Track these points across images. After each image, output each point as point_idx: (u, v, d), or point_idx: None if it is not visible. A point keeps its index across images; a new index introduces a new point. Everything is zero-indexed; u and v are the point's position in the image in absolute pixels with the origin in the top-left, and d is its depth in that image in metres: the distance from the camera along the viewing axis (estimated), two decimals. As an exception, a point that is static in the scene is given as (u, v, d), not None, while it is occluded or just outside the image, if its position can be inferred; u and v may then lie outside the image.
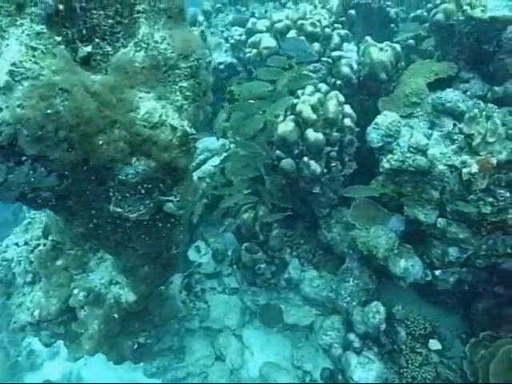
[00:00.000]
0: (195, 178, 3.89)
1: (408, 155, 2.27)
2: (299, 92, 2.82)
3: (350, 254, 2.98)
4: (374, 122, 2.54)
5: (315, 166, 2.57)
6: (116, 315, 2.43)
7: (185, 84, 1.52)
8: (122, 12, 1.45)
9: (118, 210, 1.70)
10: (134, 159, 1.50)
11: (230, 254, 3.74)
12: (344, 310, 2.91)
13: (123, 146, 1.44)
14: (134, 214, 1.73)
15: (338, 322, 2.97)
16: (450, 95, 2.48)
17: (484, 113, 2.10)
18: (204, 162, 4.09)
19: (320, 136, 2.54)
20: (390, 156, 2.39)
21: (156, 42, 1.42)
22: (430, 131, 2.48)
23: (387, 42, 2.84)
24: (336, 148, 2.67)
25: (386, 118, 2.49)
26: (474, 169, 1.95)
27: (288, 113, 2.76)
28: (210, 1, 4.70)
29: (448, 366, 2.67)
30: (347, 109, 2.61)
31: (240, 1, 4.55)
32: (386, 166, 2.39)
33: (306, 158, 2.59)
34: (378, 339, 2.69)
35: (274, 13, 3.73)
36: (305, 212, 3.23)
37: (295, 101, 2.75)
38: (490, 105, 2.25)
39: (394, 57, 2.81)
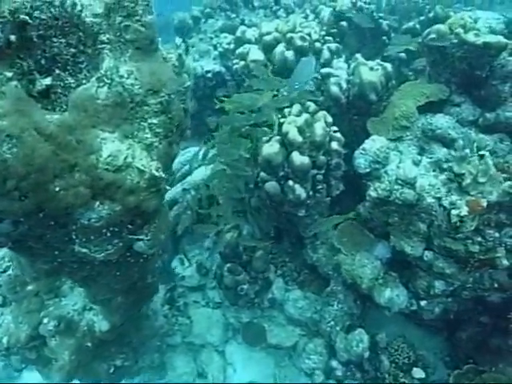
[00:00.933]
0: (180, 189, 3.75)
1: (396, 187, 2.14)
2: (286, 111, 2.68)
3: (335, 276, 2.87)
4: (361, 147, 2.41)
5: (300, 191, 2.44)
6: (89, 344, 2.29)
7: (155, 121, 1.38)
8: (85, 41, 1.29)
9: (84, 250, 1.55)
10: (97, 203, 1.35)
11: (214, 268, 3.62)
12: (327, 334, 2.80)
13: (84, 191, 1.29)
14: (102, 254, 1.58)
15: (320, 345, 2.86)
16: (441, 121, 2.36)
17: (475, 146, 1.99)
18: (189, 172, 3.95)
19: (306, 160, 2.41)
20: (377, 184, 2.27)
21: (121, 76, 1.27)
22: (419, 157, 2.36)
23: (378, 61, 2.70)
24: (322, 171, 2.54)
25: (374, 144, 2.36)
26: (464, 211, 1.84)
27: (274, 132, 2.63)
28: (199, 6, 4.51)
29: (430, 395, 2.59)
30: (335, 132, 2.48)
31: (230, 7, 4.37)
32: (373, 194, 2.27)
33: (291, 182, 2.45)
34: (361, 366, 2.59)
35: (264, 22, 3.58)
36: (290, 229, 3.11)
37: (281, 120, 2.62)
38: (481, 135, 2.13)
39: (384, 76, 2.68)
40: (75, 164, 1.23)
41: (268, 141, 2.57)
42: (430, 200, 2.07)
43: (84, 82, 1.29)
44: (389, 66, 2.70)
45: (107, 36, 1.25)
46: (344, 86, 2.68)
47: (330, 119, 2.60)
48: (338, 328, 2.76)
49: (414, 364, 2.59)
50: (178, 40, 3.75)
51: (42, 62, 1.30)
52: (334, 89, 2.65)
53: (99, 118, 1.24)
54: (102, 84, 1.24)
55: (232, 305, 3.17)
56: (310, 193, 2.61)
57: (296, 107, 2.61)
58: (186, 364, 3.62)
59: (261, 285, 3.03)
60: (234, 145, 2.49)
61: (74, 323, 2.30)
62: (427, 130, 2.37)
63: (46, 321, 2.17)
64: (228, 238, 2.87)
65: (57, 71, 1.30)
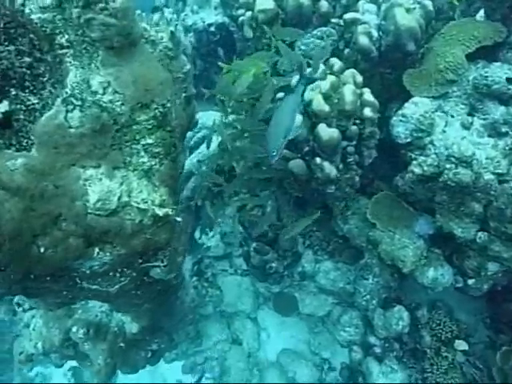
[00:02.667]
0: (195, 161, 3.42)
1: (448, 166, 1.76)
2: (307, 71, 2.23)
3: (370, 249, 2.61)
4: (400, 113, 1.99)
5: (330, 169, 2.09)
6: (122, 344, 2.17)
7: (150, 140, 1.03)
8: (40, 45, 0.92)
9: (94, 287, 1.31)
10: (96, 251, 1.07)
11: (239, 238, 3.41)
12: (363, 307, 2.62)
13: (76, 243, 1.00)
14: (115, 287, 1.34)
15: (356, 318, 2.70)
16: (498, 72, 1.89)
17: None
18: (202, 140, 3.59)
19: (335, 133, 2.02)
20: (421, 159, 1.88)
21: (95, 93, 0.90)
22: (469, 119, 1.93)
23: (416, -2, 2.14)
24: (354, 142, 2.16)
25: (417, 109, 1.93)
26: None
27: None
28: None
29: (474, 365, 2.42)
30: (368, 95, 2.04)
31: None
32: (417, 171, 1.89)
33: (318, 160, 2.09)
34: (401, 340, 2.43)
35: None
36: (316, 198, 2.80)
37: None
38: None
39: (424, 18, 2.14)
40: (58, 215, 0.93)
41: (288, 111, 2.17)
42: (488, 177, 1.69)
43: (50, 100, 0.94)
44: (429, 3, 2.15)
45: (66, 37, 0.87)
46: (375, 34, 2.17)
47: (359, 78, 2.14)
48: (374, 302, 2.57)
49: (457, 336, 2.41)
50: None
51: (-9, 80, 0.95)
52: (363, 40, 2.15)
53: (77, 153, 0.91)
54: (71, 107, 0.89)
55: (261, 281, 3.00)
56: (340, 166, 2.26)
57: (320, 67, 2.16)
58: (220, 332, 3.59)
59: (290, 259, 2.82)
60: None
61: (104, 326, 2.17)
62: (480, 85, 1.91)
63: (75, 329, 2.03)
64: (252, 218, 2.60)
65: (13, 91, 0.95)
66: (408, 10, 2.09)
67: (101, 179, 0.94)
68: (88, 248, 1.02)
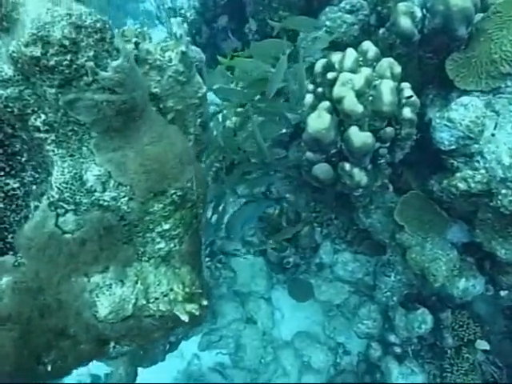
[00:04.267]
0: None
1: (503, 191, 1.49)
2: (335, 59, 1.88)
3: (393, 246, 2.44)
4: (446, 116, 1.68)
5: (360, 176, 1.84)
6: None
7: (166, 226, 0.80)
8: (9, 120, 0.66)
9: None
10: (112, 345, 0.89)
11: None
12: (383, 303, 2.52)
13: (89, 347, 0.82)
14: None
15: (375, 311, 2.61)
16: None
17: None
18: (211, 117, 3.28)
19: (369, 139, 1.74)
20: (468, 173, 1.62)
21: (92, 191, 0.66)
22: (525, 122, 1.64)
23: (471, -32, 1.74)
24: (387, 144, 1.88)
25: (468, 113, 1.62)
26: None
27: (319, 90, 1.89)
28: None
29: (493, 363, 2.37)
30: (408, 92, 1.73)
31: None
32: (462, 186, 1.64)
33: (347, 166, 1.84)
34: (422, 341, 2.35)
35: None
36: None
37: (331, 74, 1.85)
38: None
39: (479, -6, 1.76)
40: (64, 328, 0.74)
41: (312, 108, 1.87)
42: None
43: (34, 187, 0.70)
44: (486, -26, 1.75)
45: (42, 118, 0.61)
46: (418, 15, 1.80)
47: (398, 69, 1.80)
48: (394, 298, 2.46)
49: (480, 337, 2.32)
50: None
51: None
52: (405, 22, 1.78)
53: (78, 262, 0.70)
54: (62, 211, 0.65)
55: (277, 274, 2.89)
56: (369, 166, 2.00)
57: (350, 54, 1.81)
58: (234, 311, 3.58)
59: (308, 254, 2.68)
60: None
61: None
62: (543, 82, 1.60)
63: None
64: (270, 213, 2.41)
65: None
66: (461, -15, 1.70)
67: (110, 286, 0.74)
68: (102, 347, 0.85)
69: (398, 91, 1.74)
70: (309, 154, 1.88)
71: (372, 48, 1.82)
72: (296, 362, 3.12)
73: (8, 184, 0.71)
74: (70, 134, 0.64)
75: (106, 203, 0.66)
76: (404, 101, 1.71)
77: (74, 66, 0.53)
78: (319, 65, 1.99)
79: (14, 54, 0.54)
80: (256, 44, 2.09)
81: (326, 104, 1.80)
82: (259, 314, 3.46)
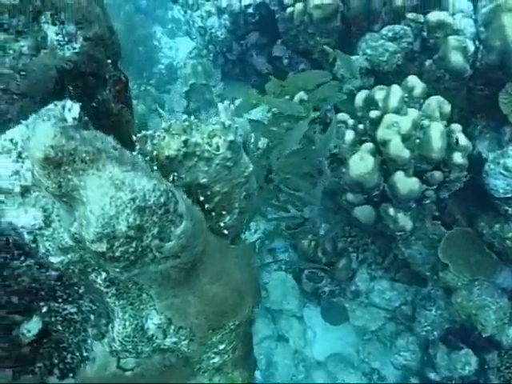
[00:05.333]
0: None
1: None
2: (378, 96, 1.77)
3: (435, 280, 2.33)
4: (502, 163, 1.56)
5: (405, 221, 1.75)
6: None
7: (221, 346, 0.75)
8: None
9: None
10: None
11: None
12: (423, 337, 2.43)
13: None
14: None
15: (413, 343, 2.52)
16: None
17: None
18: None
19: (415, 185, 1.64)
20: (527, 226, 1.51)
21: (153, 339, 0.62)
22: None
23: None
24: (434, 187, 1.77)
25: (527, 162, 1.50)
26: None
27: (361, 135, 1.79)
28: None
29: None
30: (460, 137, 1.61)
31: None
32: (520, 240, 1.53)
33: (391, 210, 1.75)
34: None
35: None
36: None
37: (375, 113, 1.74)
38: None
39: (540, 25, 1.60)
40: None
41: (353, 149, 1.77)
42: None
43: (92, 317, 0.68)
44: (550, 2, 1.58)
45: (103, 276, 0.58)
46: (471, 49, 1.66)
47: (447, 109, 1.68)
48: (435, 333, 2.36)
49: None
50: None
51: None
52: (456, 58, 1.64)
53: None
54: (123, 355, 0.63)
55: (311, 301, 2.84)
56: (413, 205, 1.90)
57: (396, 93, 1.70)
58: (266, 328, 3.57)
59: (344, 284, 2.61)
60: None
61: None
62: None
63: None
64: (305, 247, 2.35)
65: (43, 304, 0.69)
66: (521, 17, 1.55)
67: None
68: None
69: (448, 133, 1.62)
70: (350, 196, 1.80)
71: (419, 85, 1.70)
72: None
73: (66, 309, 0.69)
74: (130, 285, 0.61)
75: (166, 347, 0.64)
76: (455, 145, 1.59)
77: (139, 249, 0.50)
78: (360, 98, 1.89)
79: (76, 236, 0.51)
80: (294, 76, 2.01)
81: (369, 146, 1.71)
82: (291, 332, 3.44)
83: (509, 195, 1.56)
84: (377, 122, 1.72)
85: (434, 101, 1.64)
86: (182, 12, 3.68)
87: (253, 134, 2.50)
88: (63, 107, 0.53)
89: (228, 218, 1.04)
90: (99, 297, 0.65)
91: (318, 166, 1.91)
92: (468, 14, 1.70)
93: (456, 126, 1.62)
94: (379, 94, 1.74)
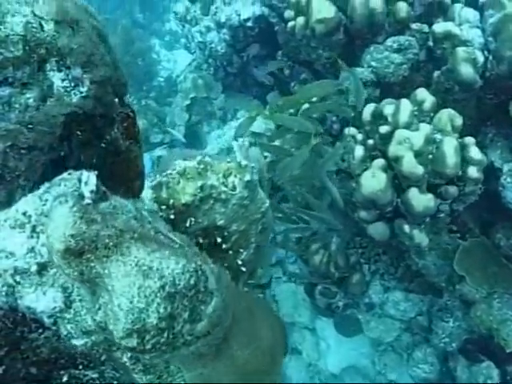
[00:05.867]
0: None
1: None
2: (387, 111, 1.73)
3: (451, 291, 2.28)
4: (518, 176, 1.52)
5: (421, 239, 1.71)
6: None
7: None
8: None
9: None
10: None
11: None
12: (441, 349, 2.37)
13: None
14: None
15: (431, 355, 2.47)
16: None
17: None
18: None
19: (431, 202, 1.59)
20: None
21: None
22: None
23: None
24: (449, 201, 1.73)
25: (545, 175, 1.46)
26: None
27: (373, 152, 1.75)
28: None
29: None
30: (474, 152, 1.57)
31: None
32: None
33: (406, 228, 1.71)
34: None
35: None
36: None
37: (385, 128, 1.70)
38: None
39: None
40: None
41: (366, 166, 1.73)
42: None
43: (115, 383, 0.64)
44: (560, 9, 1.54)
45: (129, 354, 0.54)
46: (480, 60, 1.62)
47: (459, 122, 1.64)
48: (454, 345, 2.31)
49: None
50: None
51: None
52: (466, 71, 1.60)
53: None
54: None
55: (324, 316, 2.79)
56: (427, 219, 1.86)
57: (405, 108, 1.66)
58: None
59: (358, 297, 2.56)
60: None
61: None
62: None
63: None
64: (317, 263, 2.31)
65: (63, 373, 0.66)
66: (532, 26, 1.51)
67: None
68: None
69: (462, 147, 1.58)
70: (362, 213, 1.76)
71: (429, 98, 1.66)
72: (346, 397, 3.03)
73: (87, 375, 0.66)
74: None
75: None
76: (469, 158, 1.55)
77: (171, 337, 0.46)
78: (368, 112, 1.85)
79: (102, 325, 0.47)
80: (305, 86, 1.97)
81: (380, 162, 1.67)
82: (304, 344, 3.39)
83: (526, 208, 1.52)
84: (387, 137, 1.68)
85: (446, 114, 1.60)
86: (180, 26, 3.66)
87: (256, 149, 2.46)
88: (79, 180, 0.50)
89: (245, 253, 1.00)
90: (123, 365, 0.61)
91: (322, 182, 1.88)
92: (475, 23, 1.66)
93: (469, 140, 1.58)
94: (388, 108, 1.70)
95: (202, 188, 0.85)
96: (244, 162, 0.90)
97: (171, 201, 0.80)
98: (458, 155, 1.52)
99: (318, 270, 2.33)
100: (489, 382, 2.04)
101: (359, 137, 1.85)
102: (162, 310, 0.43)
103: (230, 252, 0.98)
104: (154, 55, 5.19)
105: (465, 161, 1.56)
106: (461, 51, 1.60)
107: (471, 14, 1.68)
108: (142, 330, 0.42)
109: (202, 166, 0.87)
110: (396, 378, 2.88)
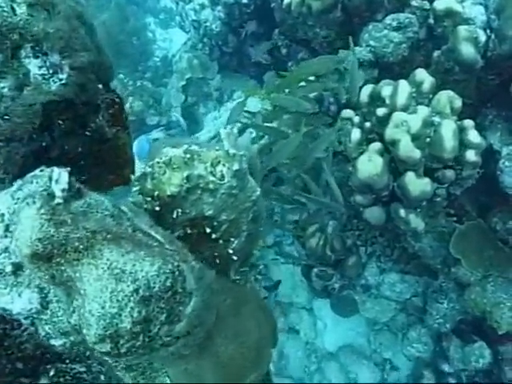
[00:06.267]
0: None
1: None
2: (385, 92, 1.68)
3: (446, 273, 2.29)
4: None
5: (416, 223, 1.69)
6: None
7: None
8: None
9: None
10: None
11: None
12: (435, 329, 2.40)
13: None
14: None
15: (425, 335, 2.51)
16: None
17: None
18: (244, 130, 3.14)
19: (427, 187, 1.57)
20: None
21: None
22: None
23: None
24: (446, 185, 1.70)
25: (544, 159, 1.42)
26: None
27: (369, 135, 1.71)
28: None
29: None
30: (472, 135, 1.52)
31: None
32: (537, 241, 1.47)
33: (402, 212, 1.69)
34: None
35: None
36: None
37: (382, 111, 1.66)
38: None
39: (557, 10, 1.49)
40: None
41: (362, 150, 1.70)
42: None
43: (102, 377, 0.64)
44: None
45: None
46: (482, 39, 1.56)
47: (458, 103, 1.59)
48: (448, 326, 2.34)
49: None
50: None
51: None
52: (468, 50, 1.54)
53: None
54: None
55: (320, 298, 2.81)
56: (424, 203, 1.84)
57: (403, 89, 1.61)
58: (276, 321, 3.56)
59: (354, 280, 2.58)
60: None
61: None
62: None
63: None
64: (313, 246, 2.31)
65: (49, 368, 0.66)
66: (536, 3, 1.44)
67: None
68: None
69: (460, 130, 1.54)
70: (358, 198, 1.74)
71: (427, 79, 1.61)
72: (341, 375, 3.10)
73: (74, 368, 0.65)
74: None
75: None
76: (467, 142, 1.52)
77: (147, 340, 0.45)
78: (365, 93, 1.80)
79: (77, 328, 0.46)
80: (304, 63, 1.90)
81: (376, 146, 1.64)
82: (301, 324, 3.44)
83: (524, 192, 1.49)
84: (384, 120, 1.64)
85: (445, 96, 1.56)
86: (175, 3, 3.54)
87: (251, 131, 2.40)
88: (50, 178, 0.47)
89: (236, 242, 0.98)
90: (106, 362, 0.61)
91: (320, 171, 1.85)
92: (478, 0, 1.59)
93: (468, 123, 1.54)
94: (386, 90, 1.65)
95: (188, 178, 0.82)
96: (232, 151, 0.88)
97: (156, 192, 0.78)
98: (456, 139, 1.48)
99: (315, 253, 2.33)
100: (481, 361, 2.08)
101: (356, 119, 1.81)
102: (135, 314, 0.41)
103: (221, 241, 0.96)
104: (149, 34, 5.05)
105: (463, 144, 1.53)
106: (462, 30, 1.54)
107: (474, -10, 1.61)
108: (115, 336, 0.40)
109: (188, 156, 0.85)
110: (391, 356, 2.94)
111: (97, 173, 1.07)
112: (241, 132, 2.73)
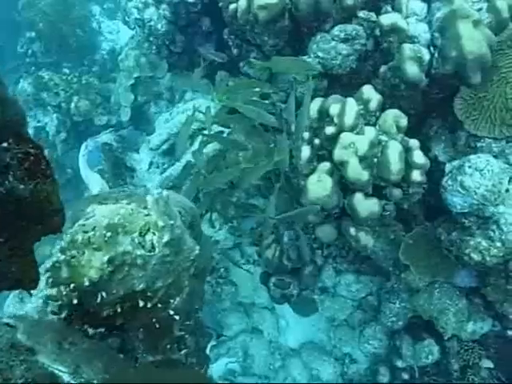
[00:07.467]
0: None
1: None
2: (333, 111, 1.63)
3: (397, 275, 2.36)
4: (459, 181, 1.49)
5: (366, 240, 1.70)
6: None
7: None
8: None
9: None
10: None
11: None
12: (388, 327, 2.49)
13: None
14: None
15: (380, 332, 2.60)
16: None
17: None
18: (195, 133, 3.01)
19: (375, 207, 1.56)
20: (482, 244, 1.48)
21: None
22: (543, 178, 1.48)
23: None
24: (393, 201, 1.71)
25: (483, 180, 1.43)
26: None
27: (317, 150, 1.67)
28: None
29: (497, 378, 2.41)
30: (417, 156, 1.52)
31: None
32: (476, 258, 1.51)
33: (352, 230, 1.68)
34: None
35: None
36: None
37: (330, 130, 1.62)
38: None
39: (495, 30, 1.49)
40: None
41: (312, 170, 1.66)
42: None
43: None
44: (503, 5, 1.46)
45: None
46: (426, 58, 1.54)
47: (404, 122, 1.58)
48: (400, 323, 2.43)
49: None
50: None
51: None
52: (412, 69, 1.51)
53: None
54: None
55: (278, 304, 2.82)
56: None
57: (351, 109, 1.57)
58: (240, 321, 3.56)
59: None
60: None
61: None
62: None
63: None
64: (270, 257, 2.28)
65: None
66: (476, 24, 1.43)
67: None
68: None
69: (406, 150, 1.54)
70: (310, 217, 1.72)
71: (375, 98, 1.58)
72: (304, 372, 3.18)
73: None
74: None
75: None
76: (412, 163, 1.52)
77: None
78: (314, 109, 1.75)
79: None
80: (278, 59, 1.79)
81: (326, 166, 1.61)
82: (264, 324, 3.46)
83: (465, 210, 1.53)
84: (333, 138, 1.61)
85: (391, 116, 1.54)
86: (117, -3, 3.27)
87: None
88: None
89: (177, 301, 0.92)
90: None
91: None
92: (422, 16, 1.56)
93: (413, 143, 1.54)
94: (334, 108, 1.61)
95: (110, 261, 0.73)
96: (161, 223, 0.79)
97: (72, 285, 0.68)
98: (402, 161, 1.48)
99: (271, 264, 2.32)
100: (430, 357, 2.19)
101: (305, 135, 1.76)
102: None
103: (159, 305, 0.89)
104: (95, 24, 4.67)
105: (408, 164, 1.53)
106: (407, 49, 1.51)
107: (419, 6, 1.57)
108: None
109: (110, 233, 0.75)
110: (351, 351, 3.04)
111: (19, 227, 0.95)
112: (193, 138, 2.61)
